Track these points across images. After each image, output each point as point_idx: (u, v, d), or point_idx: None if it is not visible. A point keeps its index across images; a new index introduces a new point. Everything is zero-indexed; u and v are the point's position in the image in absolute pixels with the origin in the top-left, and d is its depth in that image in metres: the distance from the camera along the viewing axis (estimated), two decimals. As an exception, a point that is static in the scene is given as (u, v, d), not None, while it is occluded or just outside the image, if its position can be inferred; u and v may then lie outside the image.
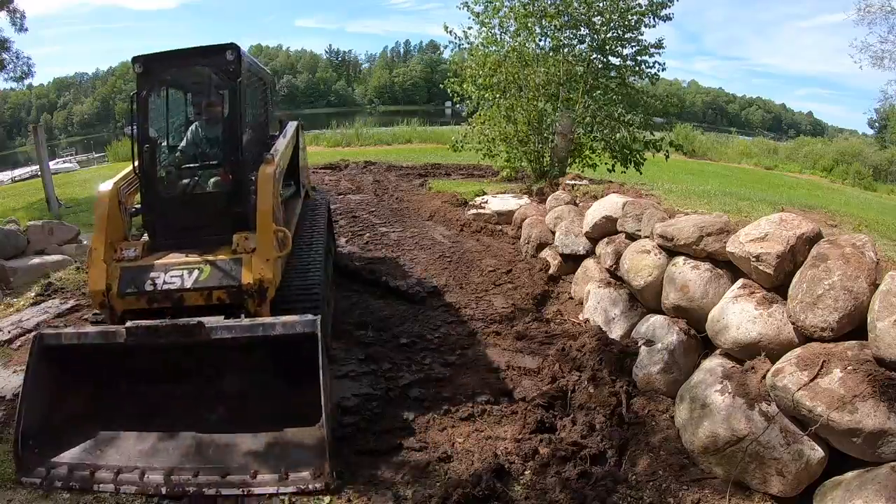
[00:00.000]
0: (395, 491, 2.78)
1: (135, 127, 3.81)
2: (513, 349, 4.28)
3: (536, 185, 8.51)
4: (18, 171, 25.41)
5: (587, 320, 4.57)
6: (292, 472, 2.79)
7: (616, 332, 4.23)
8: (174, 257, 3.58)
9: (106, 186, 3.70)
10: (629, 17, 8.24)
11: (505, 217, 7.76)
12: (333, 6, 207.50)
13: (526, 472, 2.96)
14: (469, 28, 9.11)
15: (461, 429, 3.32)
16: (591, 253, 5.20)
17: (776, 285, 3.13)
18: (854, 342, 2.60)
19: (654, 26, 8.36)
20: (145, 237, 3.85)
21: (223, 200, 3.87)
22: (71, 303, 5.14)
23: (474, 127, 9.33)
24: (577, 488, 2.80)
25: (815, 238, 3.07)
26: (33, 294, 5.38)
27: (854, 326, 2.65)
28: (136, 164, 3.79)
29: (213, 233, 3.77)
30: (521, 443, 3.16)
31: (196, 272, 3.47)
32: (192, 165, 3.98)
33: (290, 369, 3.20)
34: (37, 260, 6.09)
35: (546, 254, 5.97)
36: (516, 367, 4.00)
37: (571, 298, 5.21)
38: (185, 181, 3.92)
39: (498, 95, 8.80)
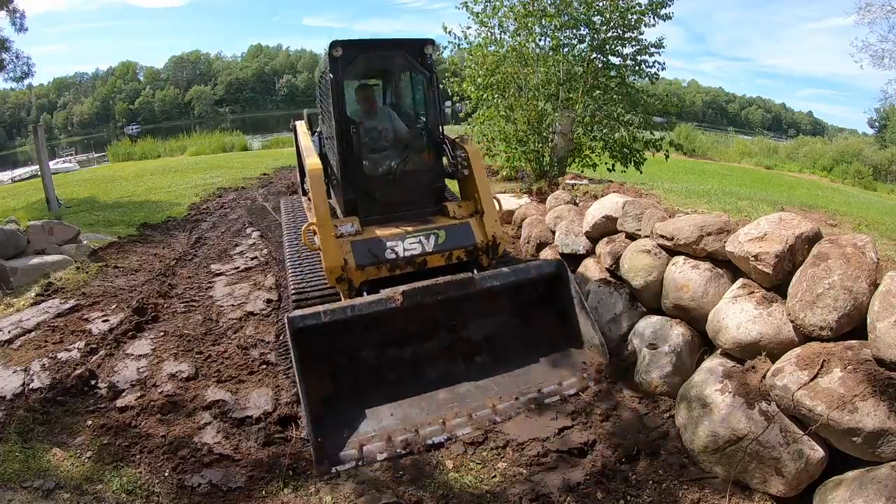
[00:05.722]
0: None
1: (336, 110, 4.02)
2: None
3: (536, 184, 8.49)
4: (18, 171, 25.44)
5: (587, 320, 4.57)
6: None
7: (616, 332, 4.23)
8: (394, 229, 3.96)
9: (314, 160, 4.07)
10: (629, 16, 8.21)
11: (505, 216, 7.74)
12: (342, 5, 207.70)
13: (524, 472, 2.95)
14: (468, 27, 9.10)
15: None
16: (591, 252, 5.20)
17: (775, 285, 3.13)
18: (854, 342, 2.60)
19: (654, 25, 8.33)
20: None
21: (428, 178, 4.36)
22: (71, 303, 5.14)
23: (473, 126, 9.31)
24: (577, 487, 2.81)
25: (814, 238, 3.08)
26: (33, 294, 5.38)
27: (854, 326, 2.65)
28: (339, 147, 4.06)
29: (416, 206, 4.24)
30: (523, 444, 3.16)
31: (433, 237, 3.93)
32: (395, 147, 4.33)
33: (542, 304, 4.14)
34: (37, 260, 6.08)
35: (546, 253, 5.95)
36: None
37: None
38: (390, 163, 4.23)
39: (497, 95, 8.78)
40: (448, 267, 3.97)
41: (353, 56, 4.03)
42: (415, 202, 4.33)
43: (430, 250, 3.92)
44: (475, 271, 3.82)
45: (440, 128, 4.40)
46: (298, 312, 3.42)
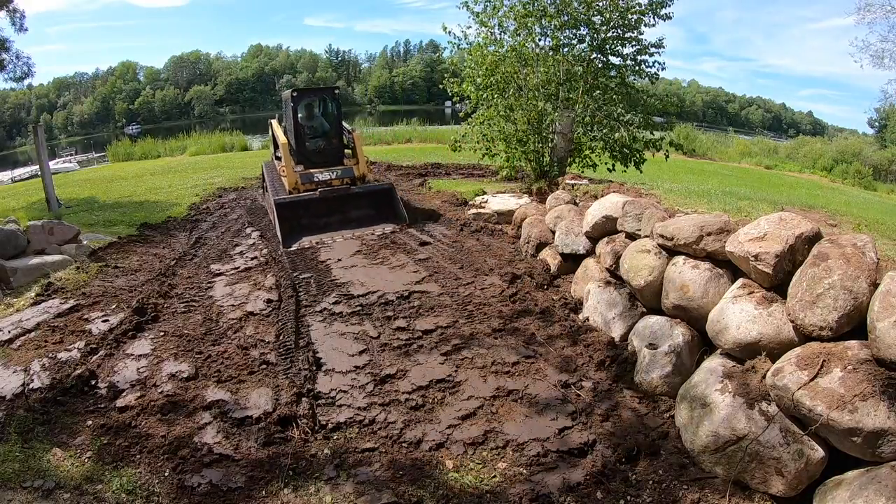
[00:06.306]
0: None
1: (293, 119, 8.58)
2: (509, 347, 4.28)
3: (536, 184, 8.49)
4: (18, 171, 25.46)
5: (587, 320, 4.58)
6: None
7: (616, 332, 4.23)
8: (318, 170, 8.24)
9: (284, 139, 8.37)
10: (629, 16, 8.21)
11: (505, 217, 7.75)
12: (343, 5, 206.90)
13: (524, 472, 2.96)
14: (468, 27, 9.10)
15: (464, 427, 3.32)
16: (591, 252, 5.20)
17: (775, 285, 3.13)
18: (854, 342, 2.60)
19: (653, 25, 8.33)
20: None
21: (336, 150, 8.93)
22: (71, 303, 5.14)
23: (473, 126, 9.31)
24: (577, 487, 2.81)
25: (814, 238, 3.07)
26: (33, 294, 5.38)
27: (853, 326, 2.65)
28: (296, 136, 8.58)
29: (330, 161, 8.61)
30: (523, 444, 3.16)
31: (336, 172, 8.25)
32: (320, 135, 8.93)
33: (385, 200, 8.23)
34: (37, 260, 6.08)
35: (546, 253, 5.96)
36: (518, 367, 4.00)
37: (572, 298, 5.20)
38: (319, 143, 8.83)
39: (497, 95, 8.78)
40: (342, 186, 8.09)
41: (303, 95, 9.00)
42: (329, 161, 8.65)
43: (334, 178, 8.20)
44: (352, 187, 8.11)
45: (342, 125, 9.09)
46: (280, 197, 7.80)
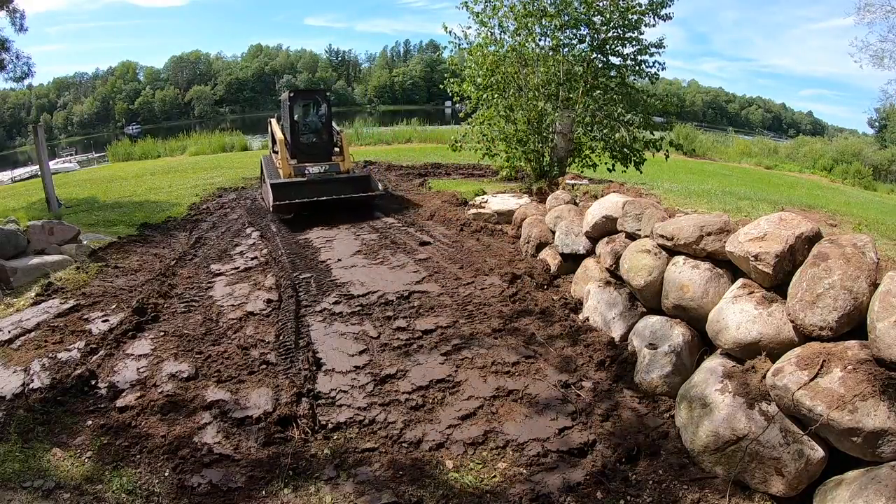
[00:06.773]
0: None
1: (290, 117, 9.71)
2: (509, 347, 4.27)
3: (536, 184, 8.49)
4: (18, 171, 25.42)
5: (587, 320, 4.57)
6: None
7: (616, 332, 4.23)
8: (309, 163, 9.40)
9: (281, 136, 9.64)
10: (629, 16, 8.20)
11: (505, 216, 7.75)
12: (343, 5, 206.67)
13: (524, 472, 2.96)
14: (468, 27, 9.10)
15: (464, 427, 3.32)
16: (591, 252, 5.20)
17: (775, 285, 3.13)
18: (854, 342, 2.60)
19: (654, 25, 8.33)
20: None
21: (326, 146, 10.05)
22: (71, 303, 5.14)
23: (474, 126, 9.30)
24: (577, 487, 2.81)
25: (814, 238, 3.07)
26: (33, 294, 5.38)
27: (853, 326, 2.65)
28: (291, 132, 9.71)
29: (320, 156, 9.80)
30: (523, 444, 3.16)
31: (324, 167, 9.47)
32: (313, 132, 10.18)
33: (363, 186, 9.38)
34: (37, 260, 6.08)
35: (546, 253, 5.96)
36: (518, 367, 4.00)
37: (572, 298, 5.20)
38: (312, 138, 10.02)
39: (497, 95, 8.77)
40: (327, 173, 9.48)
41: (298, 95, 10.22)
42: (320, 155, 9.83)
43: (322, 171, 9.39)
44: (335, 174, 9.48)
45: (332, 124, 10.34)
46: (275, 179, 9.09)
